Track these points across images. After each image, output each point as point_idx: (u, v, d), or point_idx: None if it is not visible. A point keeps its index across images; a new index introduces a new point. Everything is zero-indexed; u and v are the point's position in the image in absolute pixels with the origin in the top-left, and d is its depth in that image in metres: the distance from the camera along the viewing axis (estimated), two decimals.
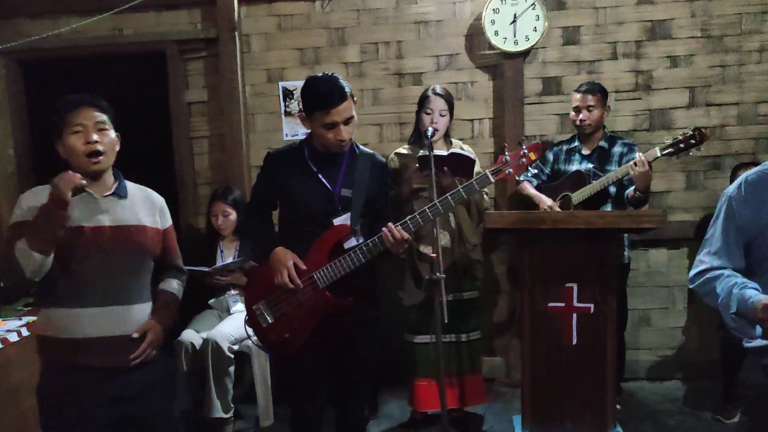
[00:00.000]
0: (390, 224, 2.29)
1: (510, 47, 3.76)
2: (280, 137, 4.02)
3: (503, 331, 4.06)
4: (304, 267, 2.32)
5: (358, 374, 2.51)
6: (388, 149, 3.86)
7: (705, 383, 3.79)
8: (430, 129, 3.05)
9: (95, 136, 2.05)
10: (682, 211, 3.86)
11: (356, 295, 2.35)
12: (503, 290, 4.04)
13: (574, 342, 2.92)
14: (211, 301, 3.62)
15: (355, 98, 2.32)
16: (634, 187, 3.10)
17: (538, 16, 3.72)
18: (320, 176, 2.38)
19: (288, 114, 4.02)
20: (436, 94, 3.26)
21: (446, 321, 2.64)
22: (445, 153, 3.11)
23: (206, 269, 3.47)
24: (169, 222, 2.32)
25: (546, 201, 3.35)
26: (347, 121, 2.28)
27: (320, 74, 2.33)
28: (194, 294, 3.56)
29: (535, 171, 3.53)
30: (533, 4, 3.72)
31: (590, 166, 3.33)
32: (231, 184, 3.84)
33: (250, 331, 2.47)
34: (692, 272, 1.93)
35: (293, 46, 4.02)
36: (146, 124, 3.90)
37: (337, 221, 2.35)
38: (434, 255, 2.72)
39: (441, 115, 3.23)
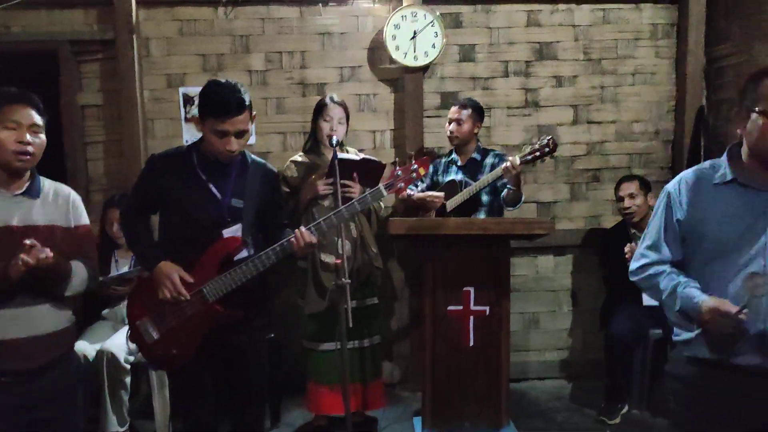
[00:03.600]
0: (301, 228, 2.32)
1: (410, 62, 3.91)
2: (180, 144, 3.93)
3: (402, 336, 4.17)
4: (191, 280, 2.27)
5: (252, 385, 2.49)
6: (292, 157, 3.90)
7: (589, 381, 4.09)
8: (335, 137, 3.12)
9: (28, 137, 1.99)
10: (566, 220, 4.15)
11: (246, 306, 2.35)
12: (401, 296, 4.16)
13: (471, 344, 3.08)
14: (105, 311, 3.48)
15: (254, 112, 2.32)
16: (507, 188, 3.28)
17: (436, 33, 3.90)
18: (210, 185, 2.32)
19: (189, 120, 3.95)
20: (334, 102, 3.32)
21: (351, 326, 2.71)
22: (357, 158, 3.16)
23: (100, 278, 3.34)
24: (83, 220, 2.24)
25: (428, 193, 3.42)
26: (240, 133, 2.25)
27: (224, 80, 2.29)
28: (86, 305, 3.43)
29: (417, 181, 3.66)
30: (432, 21, 3.89)
31: (464, 176, 3.50)
32: (127, 191, 3.71)
33: (133, 346, 2.41)
34: (634, 265, 2.03)
35: (195, 51, 3.96)
36: None
37: (226, 232, 2.31)
38: (339, 261, 2.78)
39: (340, 123, 3.30)
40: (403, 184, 2.42)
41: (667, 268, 1.95)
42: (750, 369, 1.77)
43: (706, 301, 1.79)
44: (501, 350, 3.09)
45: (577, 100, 4.12)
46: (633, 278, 2.05)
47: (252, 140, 3.99)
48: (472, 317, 3.07)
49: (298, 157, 3.43)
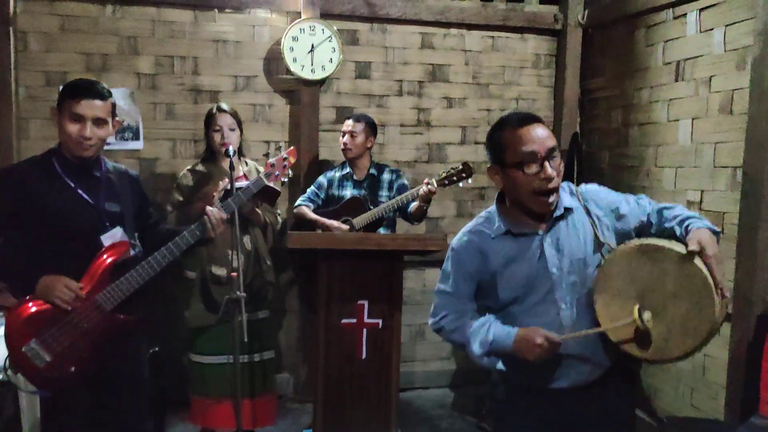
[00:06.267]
0: (209, 207, 2.47)
1: (307, 75, 3.93)
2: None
3: (293, 348, 4.15)
4: (80, 285, 2.17)
5: (133, 401, 2.39)
6: (182, 165, 3.77)
7: (470, 389, 4.28)
8: (231, 148, 3.07)
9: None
10: (452, 235, 4.26)
11: (142, 309, 2.30)
12: (292, 309, 4.14)
13: (364, 356, 3.14)
14: None
15: (117, 117, 2.31)
16: (417, 203, 3.37)
17: (334, 48, 3.94)
18: (79, 191, 2.23)
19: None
20: (221, 110, 3.28)
21: (246, 340, 2.68)
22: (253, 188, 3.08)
23: None
24: None
25: (333, 223, 3.48)
26: (98, 121, 2.18)
27: None
28: None
29: (311, 196, 3.69)
30: (330, 36, 3.93)
31: (363, 192, 3.59)
32: None
33: (21, 380, 2.24)
34: (434, 318, 2.03)
35: (78, 50, 3.74)
36: None
37: (105, 237, 2.24)
38: (234, 275, 2.75)
39: (231, 130, 3.26)
40: (279, 173, 2.72)
41: (466, 319, 1.96)
42: (562, 391, 1.90)
43: (525, 330, 1.82)
44: (392, 362, 3.17)
45: (466, 121, 4.32)
46: (435, 327, 2.04)
47: (139, 145, 3.85)
48: (365, 330, 3.12)
49: (197, 165, 3.35)
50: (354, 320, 3.10)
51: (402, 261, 3.17)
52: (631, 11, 3.87)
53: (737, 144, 3.10)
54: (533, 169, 1.79)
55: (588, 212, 1.92)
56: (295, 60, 3.90)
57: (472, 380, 4.30)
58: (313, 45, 3.91)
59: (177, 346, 3.51)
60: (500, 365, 1.91)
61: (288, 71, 3.93)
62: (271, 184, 2.78)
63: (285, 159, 2.72)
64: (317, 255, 3.08)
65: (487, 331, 1.89)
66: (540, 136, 1.81)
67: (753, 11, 3.00)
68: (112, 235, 2.24)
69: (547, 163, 1.79)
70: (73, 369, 2.18)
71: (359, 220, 3.46)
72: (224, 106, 3.32)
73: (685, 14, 3.48)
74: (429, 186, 3.25)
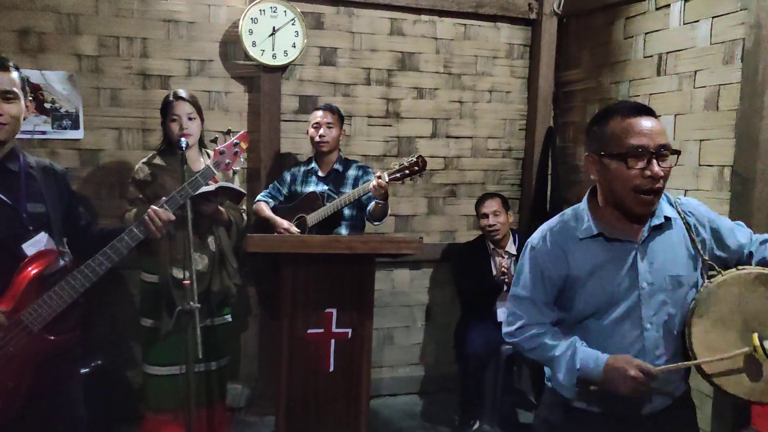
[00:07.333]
0: (152, 207, 2.14)
1: (268, 60, 3.62)
2: None
3: (250, 356, 3.86)
4: (2, 308, 1.85)
5: (65, 418, 2.06)
6: (130, 157, 3.48)
7: (440, 396, 4.08)
8: (183, 140, 2.76)
9: None
10: (424, 234, 4.09)
11: (74, 324, 2.00)
12: (253, 313, 3.86)
13: (332, 368, 2.90)
14: None
15: (31, 97, 1.99)
16: (374, 201, 3.11)
17: (297, 32, 3.65)
18: None
19: None
20: (178, 98, 2.98)
21: (201, 356, 2.40)
22: (212, 187, 2.79)
23: None
24: None
25: (282, 223, 3.24)
26: (4, 96, 1.86)
27: None
28: None
29: (272, 191, 3.45)
30: (293, 19, 3.63)
31: (326, 187, 3.33)
32: None
33: None
34: (510, 327, 1.82)
35: (10, 27, 3.34)
36: None
37: (27, 246, 1.91)
38: (187, 282, 2.46)
39: (190, 119, 2.96)
40: (230, 160, 2.35)
41: (548, 327, 1.78)
42: (625, 419, 1.73)
43: (614, 358, 1.63)
44: (362, 374, 2.96)
45: (437, 113, 4.08)
46: (511, 340, 1.83)
47: (79, 135, 3.48)
48: (333, 340, 2.88)
49: (154, 159, 3.04)
50: (321, 330, 2.86)
51: (374, 265, 2.93)
52: (610, 1, 3.70)
53: (724, 141, 2.97)
54: (639, 164, 1.59)
55: (688, 226, 1.73)
56: (254, 44, 3.59)
57: (442, 387, 4.11)
58: (274, 28, 3.60)
59: (128, 357, 3.20)
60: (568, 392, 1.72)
61: (247, 56, 3.61)
62: (228, 184, 2.49)
63: (236, 145, 2.36)
64: (280, 259, 2.81)
65: (572, 357, 1.68)
66: (652, 129, 1.61)
67: (742, 2, 2.86)
68: (37, 242, 1.91)
69: (655, 161, 1.59)
70: None
71: (312, 218, 3.21)
72: (182, 92, 3.01)
73: (669, 5, 3.32)
74: (380, 180, 2.96)
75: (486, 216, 3.65)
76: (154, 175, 2.98)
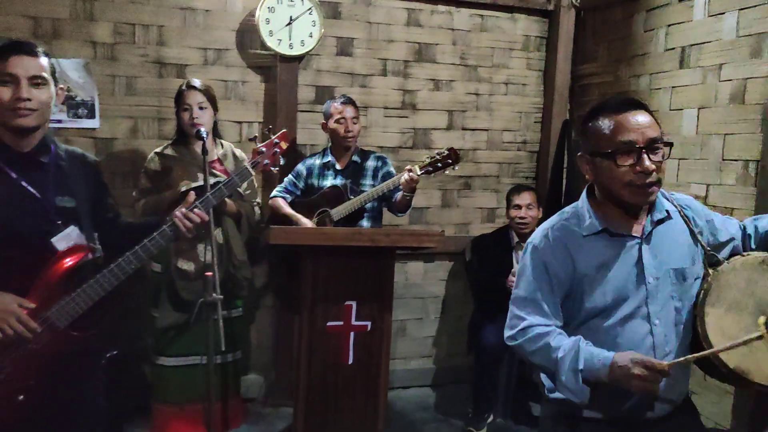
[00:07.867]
0: (182, 210, 2.04)
1: (285, 50, 3.57)
2: None
3: (265, 348, 3.84)
4: (31, 305, 1.81)
5: (87, 419, 2.05)
6: (145, 146, 3.44)
7: (452, 389, 4.06)
8: (202, 129, 2.73)
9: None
10: (438, 226, 4.06)
11: (98, 319, 1.96)
12: (265, 305, 3.83)
13: (350, 361, 2.87)
14: None
15: (61, 84, 1.94)
16: (401, 192, 3.09)
17: (314, 21, 3.60)
18: (23, 183, 1.84)
19: None
20: (190, 87, 2.97)
21: (223, 348, 2.39)
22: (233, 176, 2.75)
23: None
24: None
25: (306, 223, 3.19)
26: (35, 81, 1.81)
27: None
28: None
29: (289, 186, 3.39)
30: (310, 8, 3.59)
31: (346, 180, 3.29)
32: None
33: None
34: (512, 331, 1.74)
35: (25, 12, 3.29)
36: None
37: (57, 240, 1.87)
38: (209, 274, 2.45)
39: (201, 108, 2.94)
40: (268, 161, 2.29)
41: (551, 328, 1.69)
42: (636, 421, 1.69)
43: (620, 355, 1.56)
44: (381, 367, 2.93)
45: (453, 105, 4.04)
46: (512, 343, 1.74)
47: (95, 124, 3.44)
48: (352, 333, 2.86)
49: (165, 149, 3.01)
50: (341, 323, 2.83)
51: (394, 258, 2.90)
52: None
53: (750, 136, 2.93)
54: (629, 161, 1.57)
55: (687, 219, 1.72)
56: (271, 33, 3.54)
57: (453, 379, 4.10)
58: (291, 17, 3.56)
59: (139, 347, 3.18)
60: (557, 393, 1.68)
61: (263, 45, 3.57)
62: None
63: (275, 144, 2.29)
64: (301, 252, 2.78)
65: (575, 356, 1.60)
66: (641, 123, 1.58)
67: None
68: (67, 236, 1.87)
69: (645, 156, 1.56)
70: (21, 398, 1.83)
71: (337, 212, 3.17)
72: (195, 82, 2.99)
73: None
74: (411, 174, 2.95)
75: (519, 207, 3.58)
76: (164, 165, 2.96)
